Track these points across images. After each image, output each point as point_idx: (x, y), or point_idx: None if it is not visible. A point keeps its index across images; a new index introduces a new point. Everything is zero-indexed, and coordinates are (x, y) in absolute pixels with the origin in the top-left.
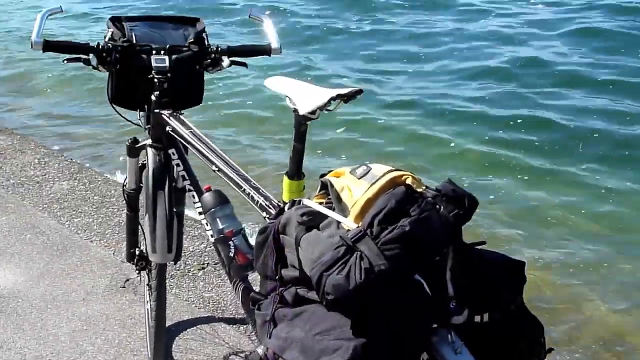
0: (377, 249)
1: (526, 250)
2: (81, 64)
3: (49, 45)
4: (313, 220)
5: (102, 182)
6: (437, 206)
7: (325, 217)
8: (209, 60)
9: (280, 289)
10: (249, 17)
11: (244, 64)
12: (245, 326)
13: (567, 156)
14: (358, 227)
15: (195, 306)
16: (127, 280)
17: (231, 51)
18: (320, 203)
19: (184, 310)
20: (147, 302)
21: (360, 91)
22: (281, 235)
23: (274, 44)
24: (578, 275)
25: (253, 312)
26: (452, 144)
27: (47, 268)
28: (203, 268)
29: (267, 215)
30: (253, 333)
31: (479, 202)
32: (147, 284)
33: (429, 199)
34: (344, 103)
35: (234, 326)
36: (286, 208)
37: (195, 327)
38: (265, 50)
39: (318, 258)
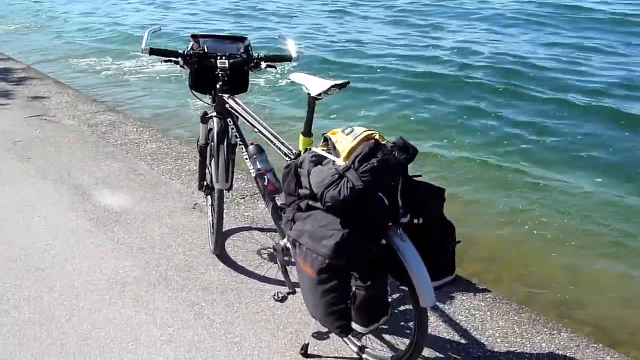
0: (357, 176)
1: None
2: (172, 63)
3: (153, 51)
4: (318, 160)
5: (177, 144)
6: (393, 152)
7: (326, 158)
8: (252, 64)
9: (297, 201)
10: (278, 37)
11: (274, 66)
12: (270, 232)
13: None
14: (346, 163)
15: (239, 220)
16: (196, 204)
17: (266, 58)
18: (323, 150)
19: (232, 222)
20: (210, 216)
21: (348, 82)
22: (299, 169)
23: (294, 54)
24: None
25: (278, 218)
26: None
27: (144, 195)
28: (243, 198)
29: (288, 159)
30: (278, 234)
31: (419, 151)
32: (211, 204)
33: (388, 148)
34: (339, 90)
35: (263, 232)
36: (302, 153)
37: (238, 232)
38: (288, 58)
39: (321, 181)
